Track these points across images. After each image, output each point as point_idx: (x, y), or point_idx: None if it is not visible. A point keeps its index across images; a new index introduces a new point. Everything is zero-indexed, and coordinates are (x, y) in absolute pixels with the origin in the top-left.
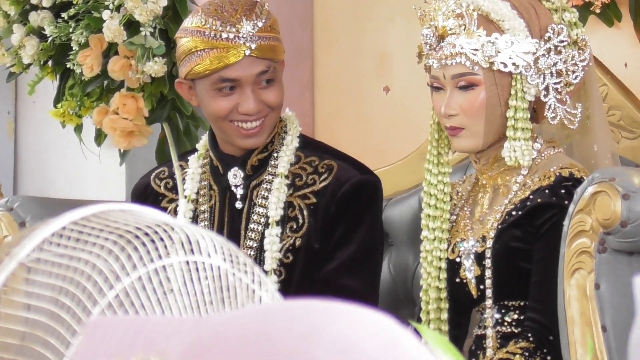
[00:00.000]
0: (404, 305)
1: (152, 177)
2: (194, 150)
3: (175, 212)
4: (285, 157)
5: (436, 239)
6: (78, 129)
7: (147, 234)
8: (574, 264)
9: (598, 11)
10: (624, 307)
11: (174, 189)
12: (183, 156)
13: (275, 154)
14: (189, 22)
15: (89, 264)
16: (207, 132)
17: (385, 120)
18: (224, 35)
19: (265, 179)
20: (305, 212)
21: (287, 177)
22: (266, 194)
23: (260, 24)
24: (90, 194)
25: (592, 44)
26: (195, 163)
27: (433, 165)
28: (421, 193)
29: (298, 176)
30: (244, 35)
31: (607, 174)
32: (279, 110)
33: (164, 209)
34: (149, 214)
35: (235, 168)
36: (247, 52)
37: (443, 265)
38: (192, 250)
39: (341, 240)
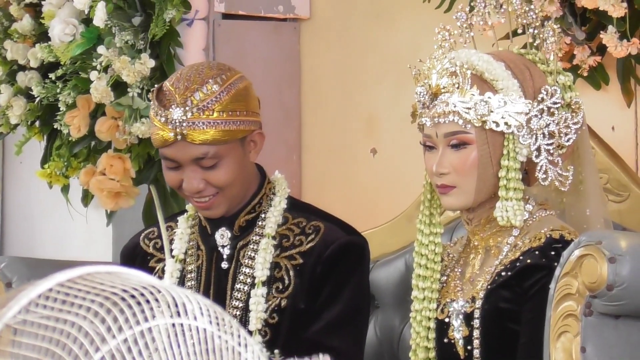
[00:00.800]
0: None
1: (141, 237)
2: (184, 211)
3: (163, 272)
4: (272, 218)
5: (426, 298)
6: (65, 189)
7: (133, 296)
8: (560, 327)
9: (585, 74)
10: None
11: (162, 249)
12: (173, 217)
13: (263, 215)
14: (155, 87)
15: (75, 326)
16: None
17: (372, 182)
18: (158, 117)
19: (253, 239)
20: (291, 273)
21: (274, 237)
22: (253, 255)
23: (194, 110)
24: (77, 255)
25: None
26: (184, 223)
27: (425, 226)
28: (412, 253)
29: (285, 237)
30: (172, 122)
31: (594, 237)
32: (229, 188)
33: (152, 269)
34: (135, 276)
35: (223, 228)
36: (178, 138)
37: (432, 325)
38: (178, 312)
39: (327, 301)
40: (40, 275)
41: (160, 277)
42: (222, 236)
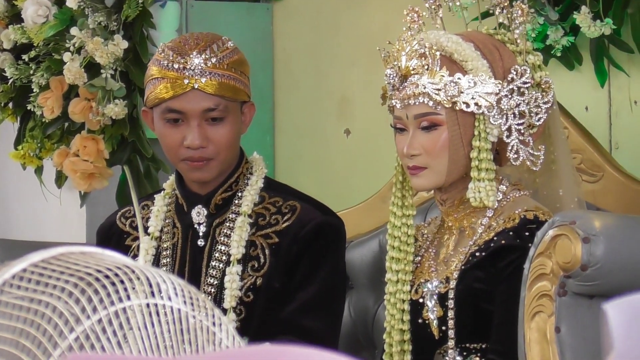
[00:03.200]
0: (364, 349)
1: (118, 215)
2: (161, 190)
3: (139, 250)
4: (249, 197)
5: (399, 281)
6: (38, 170)
7: (107, 277)
8: (535, 307)
9: (559, 54)
10: (585, 351)
11: (138, 227)
12: (150, 196)
13: (239, 194)
14: (160, 46)
15: (49, 307)
16: (175, 172)
17: (345, 163)
18: (174, 65)
19: (229, 217)
20: (267, 252)
21: (250, 216)
22: (229, 232)
23: (214, 60)
24: (51, 236)
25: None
26: (160, 201)
27: (397, 208)
28: (385, 235)
29: (261, 216)
30: (192, 68)
31: (568, 217)
32: (226, 151)
33: (128, 247)
34: (109, 256)
35: (199, 206)
36: (195, 86)
37: (406, 307)
38: (152, 292)
39: (303, 281)
40: (14, 256)
41: (136, 255)
42: (199, 214)
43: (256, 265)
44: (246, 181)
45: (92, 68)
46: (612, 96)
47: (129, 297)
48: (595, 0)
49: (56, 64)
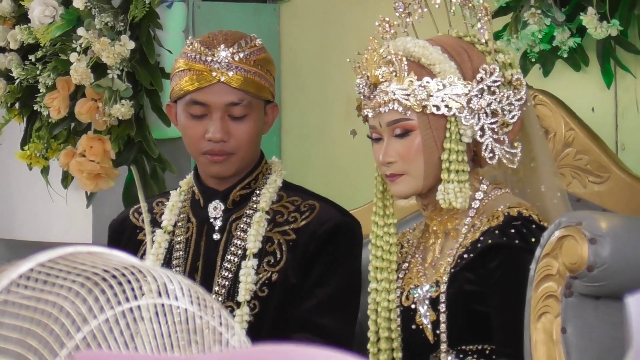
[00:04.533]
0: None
1: (131, 210)
2: (177, 187)
3: (151, 245)
4: (267, 194)
5: (384, 290)
6: (45, 171)
7: (114, 277)
8: (541, 308)
9: (565, 56)
10: (591, 351)
11: (152, 222)
12: (166, 194)
13: (257, 192)
14: (188, 40)
15: (56, 306)
16: (193, 168)
17: (352, 163)
18: (201, 57)
19: (246, 213)
20: (284, 248)
21: (267, 213)
22: (245, 228)
23: (241, 55)
24: (57, 236)
25: (559, 89)
26: (176, 197)
27: (379, 217)
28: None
29: (279, 213)
30: (219, 61)
31: (574, 218)
32: (247, 147)
33: (140, 242)
34: (116, 256)
35: (217, 201)
36: (221, 79)
37: (393, 315)
38: (159, 293)
39: (319, 280)
40: (20, 256)
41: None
42: (215, 208)
43: (272, 261)
44: (265, 180)
45: (98, 68)
46: (618, 97)
47: (135, 297)
48: (602, 1)
49: (63, 65)
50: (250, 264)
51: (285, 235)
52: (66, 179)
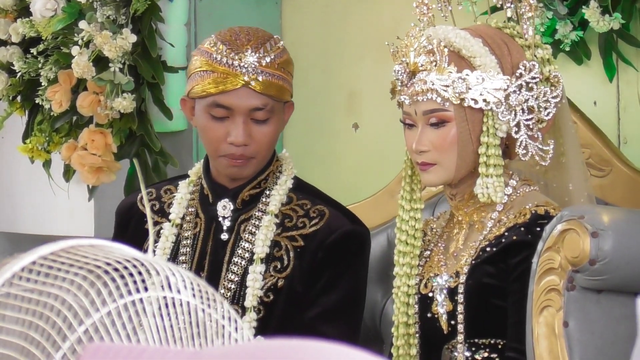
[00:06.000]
0: (372, 342)
1: (138, 197)
2: (185, 175)
3: (158, 235)
4: (277, 196)
5: (405, 274)
6: (47, 164)
7: (116, 269)
8: (543, 302)
9: (568, 49)
10: (593, 345)
11: (160, 211)
12: (173, 180)
13: (267, 192)
14: (203, 43)
15: (58, 299)
16: (202, 160)
17: (354, 157)
18: (227, 61)
19: (255, 214)
20: (291, 254)
21: (277, 216)
22: (254, 230)
23: (267, 59)
24: (59, 230)
25: None
26: (185, 189)
27: (406, 202)
28: (394, 229)
29: (288, 217)
30: (246, 66)
31: (576, 212)
32: (267, 150)
33: (147, 231)
34: (118, 249)
35: (226, 200)
36: (251, 83)
37: (411, 301)
38: (161, 286)
39: (325, 288)
40: (22, 249)
41: (155, 241)
42: (224, 207)
43: (279, 267)
44: (275, 180)
45: (100, 62)
46: (620, 91)
47: (138, 290)
48: None
49: (65, 58)
50: (258, 269)
51: (293, 241)
52: (68, 173)
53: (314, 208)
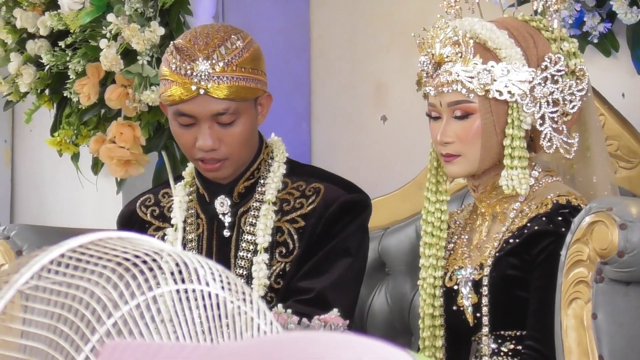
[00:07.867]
0: (400, 335)
1: (137, 204)
2: (180, 177)
3: (162, 240)
4: (272, 184)
5: (431, 266)
6: (75, 157)
7: (145, 262)
8: (571, 294)
9: (596, 41)
10: (621, 337)
11: (160, 216)
12: (166, 184)
13: (262, 181)
14: (170, 45)
15: (87, 292)
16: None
17: (382, 149)
18: (181, 70)
19: (253, 205)
20: (295, 237)
21: (274, 203)
22: (254, 221)
23: (221, 64)
24: (87, 223)
25: (589, 74)
26: (182, 191)
27: (432, 194)
28: (420, 221)
29: (286, 201)
30: (198, 75)
31: (605, 204)
32: (240, 150)
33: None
34: (147, 242)
35: (222, 196)
36: (201, 92)
37: (437, 292)
38: (190, 278)
39: (325, 254)
40: (50, 242)
41: None
42: (222, 204)
43: (284, 251)
44: (268, 167)
45: (128, 55)
46: None
47: (166, 283)
48: None
49: (93, 51)
50: (261, 258)
51: (293, 223)
52: (96, 166)
53: (309, 187)
